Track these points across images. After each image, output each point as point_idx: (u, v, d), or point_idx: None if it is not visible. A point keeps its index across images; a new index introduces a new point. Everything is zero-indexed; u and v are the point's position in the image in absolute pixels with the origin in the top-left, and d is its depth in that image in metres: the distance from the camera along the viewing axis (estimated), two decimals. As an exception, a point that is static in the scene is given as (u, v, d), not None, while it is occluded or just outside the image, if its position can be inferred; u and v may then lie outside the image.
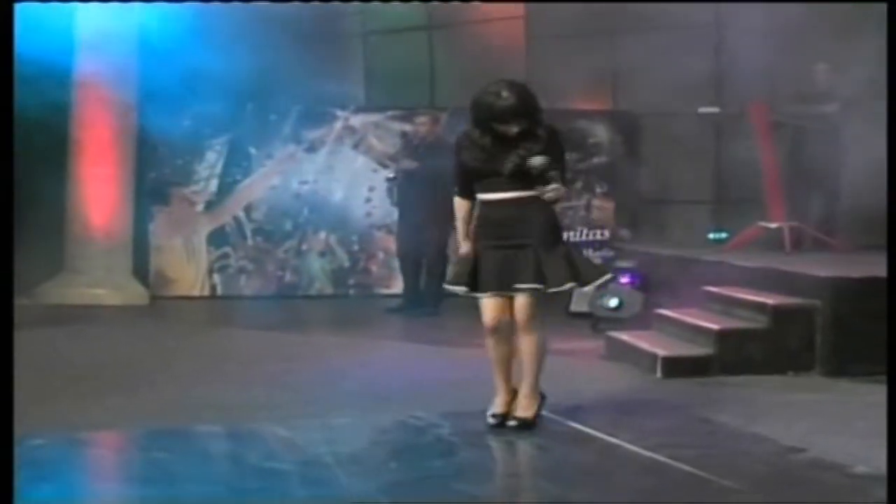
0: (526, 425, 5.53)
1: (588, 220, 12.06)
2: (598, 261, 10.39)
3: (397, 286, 10.97)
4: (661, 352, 7.29)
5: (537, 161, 5.36)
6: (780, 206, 9.61)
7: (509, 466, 5.36)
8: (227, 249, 11.69)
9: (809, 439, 5.39)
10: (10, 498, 4.16)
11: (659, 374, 7.17)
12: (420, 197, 9.83)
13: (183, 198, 11.64)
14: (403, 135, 11.28)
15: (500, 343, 5.57)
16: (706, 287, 8.11)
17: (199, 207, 11.69)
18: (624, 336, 7.90)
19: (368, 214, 11.80)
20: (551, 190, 5.38)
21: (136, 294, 11.05)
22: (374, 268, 11.84)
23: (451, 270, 6.21)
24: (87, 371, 7.26)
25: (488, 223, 5.56)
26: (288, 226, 11.76)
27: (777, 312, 7.33)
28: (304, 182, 11.76)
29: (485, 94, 5.50)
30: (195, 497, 4.54)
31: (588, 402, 6.29)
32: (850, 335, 7.16)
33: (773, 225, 9.57)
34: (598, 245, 11.85)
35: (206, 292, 11.61)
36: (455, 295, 5.80)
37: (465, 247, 5.67)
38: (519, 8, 12.58)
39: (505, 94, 5.44)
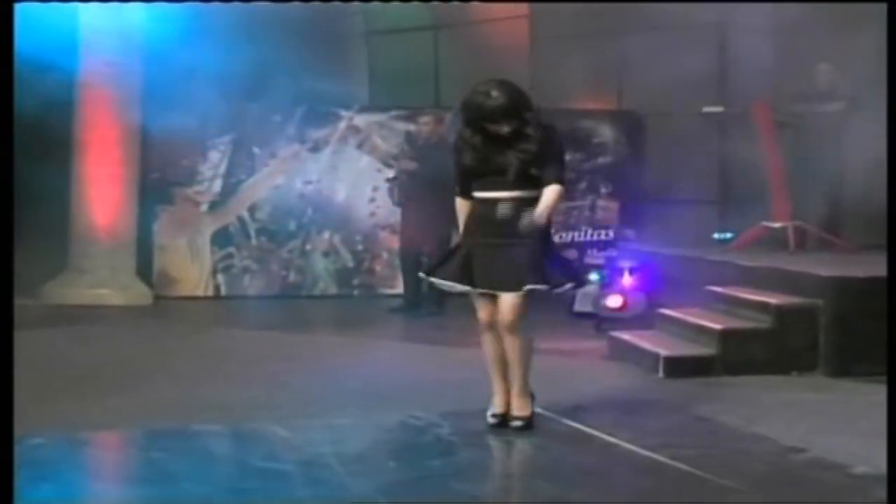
0: (527, 425, 5.52)
1: (593, 219, 12.05)
2: (600, 259, 10.44)
3: (401, 286, 10.96)
4: (663, 352, 7.27)
5: (526, 222, 5.34)
6: (784, 205, 9.59)
7: (508, 466, 5.35)
8: (231, 249, 11.70)
9: (810, 439, 5.37)
10: (10, 498, 4.16)
11: (661, 374, 7.16)
12: (422, 197, 9.83)
13: (187, 198, 11.65)
14: (407, 135, 11.28)
15: (495, 340, 5.56)
16: (709, 286, 8.09)
17: (203, 207, 11.69)
18: (626, 336, 7.89)
19: (372, 214, 11.80)
20: (526, 224, 5.35)
21: (139, 294, 11.06)
22: (378, 268, 11.84)
23: (434, 262, 6.18)
24: (88, 371, 7.26)
25: (482, 221, 5.54)
26: (292, 226, 11.76)
27: (780, 312, 7.31)
28: (308, 182, 11.76)
29: (475, 93, 5.49)
30: (195, 497, 4.54)
31: (589, 402, 6.28)
32: (854, 335, 7.14)
33: (777, 225, 9.56)
34: (602, 245, 11.83)
35: (210, 292, 11.62)
36: (456, 295, 5.79)
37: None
38: (523, 7, 12.58)
39: (494, 93, 5.43)
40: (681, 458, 4.96)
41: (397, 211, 10.89)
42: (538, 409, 5.67)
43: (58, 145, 10.82)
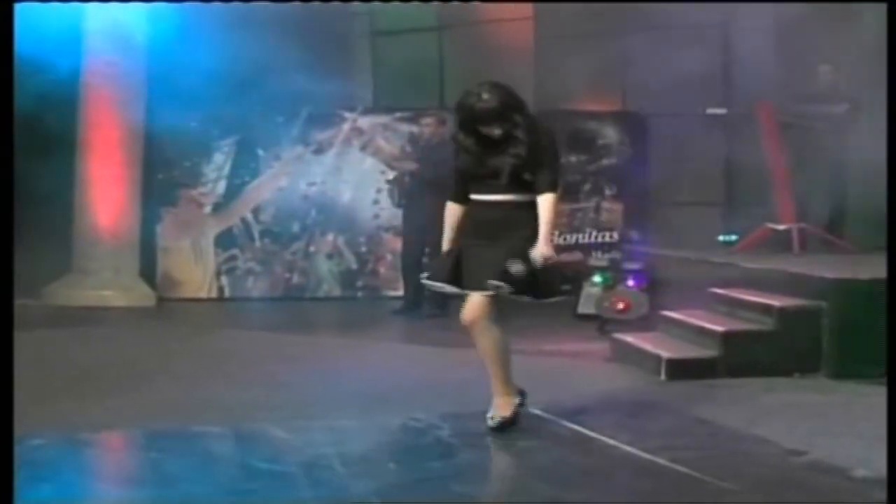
0: (500, 426, 5.48)
1: (597, 221, 12.02)
2: (604, 261, 10.42)
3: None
4: (666, 354, 7.25)
5: (515, 269, 5.32)
6: (788, 207, 9.58)
7: (508, 468, 5.33)
8: (235, 251, 11.71)
9: (811, 441, 5.35)
10: (10, 498, 4.16)
11: (663, 376, 7.14)
12: (423, 197, 9.81)
13: (191, 199, 11.67)
14: (411, 136, 11.27)
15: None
16: (712, 289, 8.07)
17: (207, 209, 11.71)
18: (629, 338, 7.87)
19: (376, 216, 11.80)
20: (515, 271, 5.33)
21: (143, 295, 11.07)
22: (382, 270, 11.84)
23: (431, 264, 6.20)
24: (90, 372, 7.27)
25: (474, 223, 5.54)
26: (295, 227, 11.77)
27: (783, 314, 7.28)
28: (312, 184, 11.77)
29: (467, 95, 5.48)
30: (195, 498, 4.54)
31: (590, 404, 6.26)
32: (857, 337, 7.10)
33: (782, 227, 9.54)
34: (607, 247, 11.82)
35: (214, 294, 11.63)
36: (457, 296, 5.79)
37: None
38: (528, 9, 12.57)
39: (486, 95, 5.42)
40: (681, 460, 4.95)
41: (400, 213, 10.89)
42: (538, 411, 5.67)
43: (61, 146, 10.85)
